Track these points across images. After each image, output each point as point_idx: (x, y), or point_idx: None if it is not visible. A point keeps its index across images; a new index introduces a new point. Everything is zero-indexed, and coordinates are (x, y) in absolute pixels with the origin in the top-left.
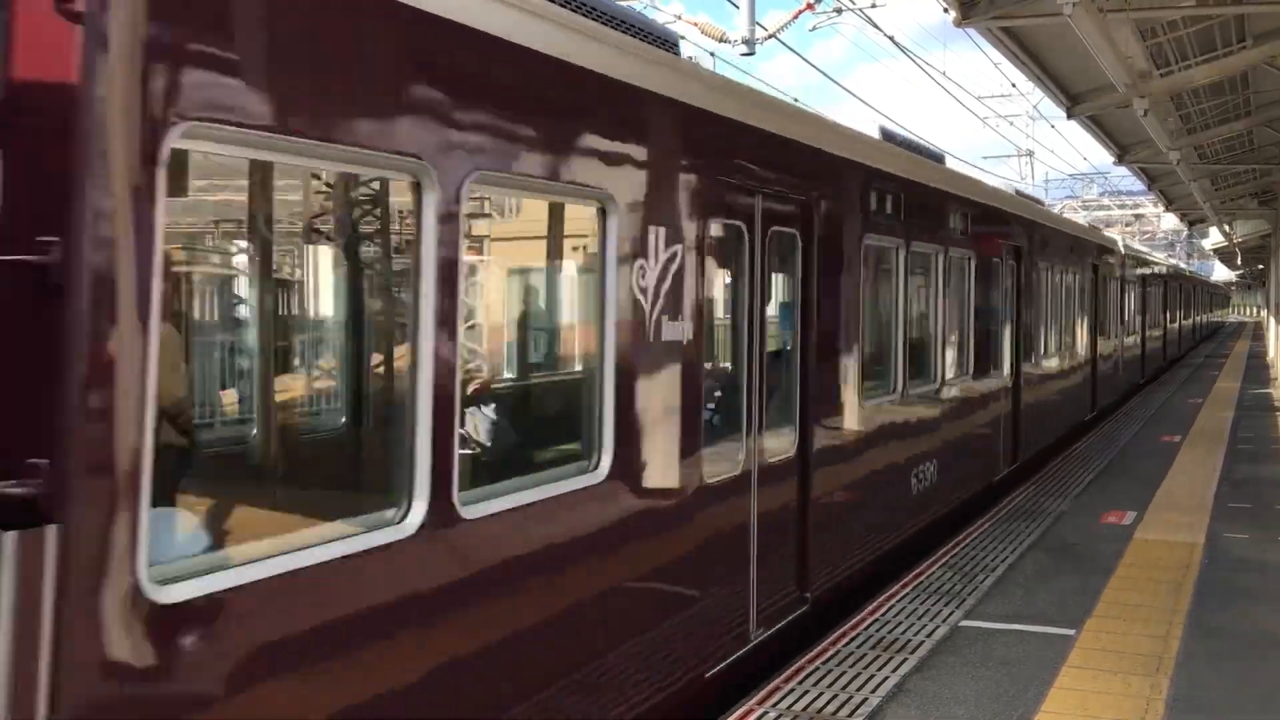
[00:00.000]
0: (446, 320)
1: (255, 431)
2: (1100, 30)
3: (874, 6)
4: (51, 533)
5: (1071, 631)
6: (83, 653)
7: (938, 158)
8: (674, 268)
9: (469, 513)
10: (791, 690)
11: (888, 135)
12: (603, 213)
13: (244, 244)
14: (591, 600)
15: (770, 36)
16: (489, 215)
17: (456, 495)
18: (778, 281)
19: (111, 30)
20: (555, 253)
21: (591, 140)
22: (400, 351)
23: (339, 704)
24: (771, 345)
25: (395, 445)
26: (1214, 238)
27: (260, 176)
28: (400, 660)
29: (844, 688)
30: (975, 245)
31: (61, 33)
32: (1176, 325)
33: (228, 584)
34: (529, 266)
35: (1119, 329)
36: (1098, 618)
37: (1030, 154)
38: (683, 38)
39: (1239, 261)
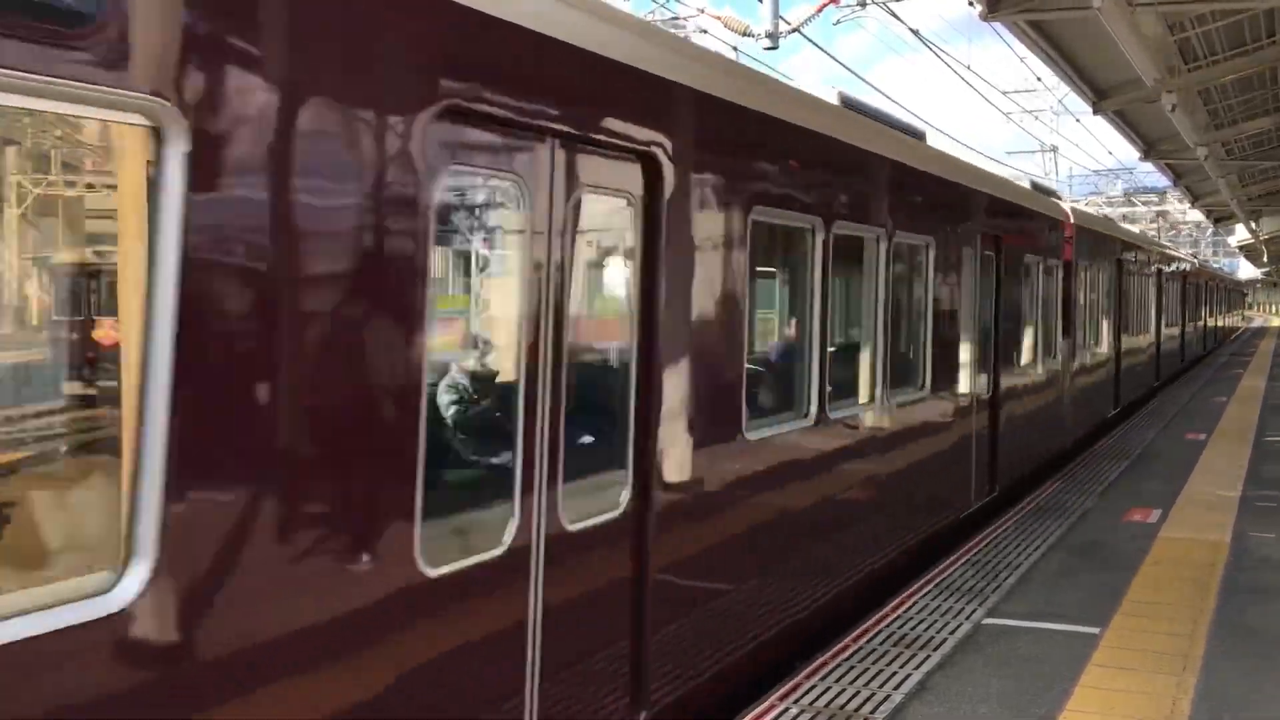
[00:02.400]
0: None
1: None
2: (1129, 24)
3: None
4: None
5: (1096, 630)
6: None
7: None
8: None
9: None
10: (814, 686)
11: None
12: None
13: None
14: None
15: (794, 30)
16: None
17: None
18: None
19: None
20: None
21: None
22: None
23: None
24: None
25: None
26: (1240, 234)
27: None
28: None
29: (866, 684)
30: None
31: None
32: (1159, 339)
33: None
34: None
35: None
36: (1122, 616)
37: (1054, 149)
38: (705, 31)
39: (1265, 259)
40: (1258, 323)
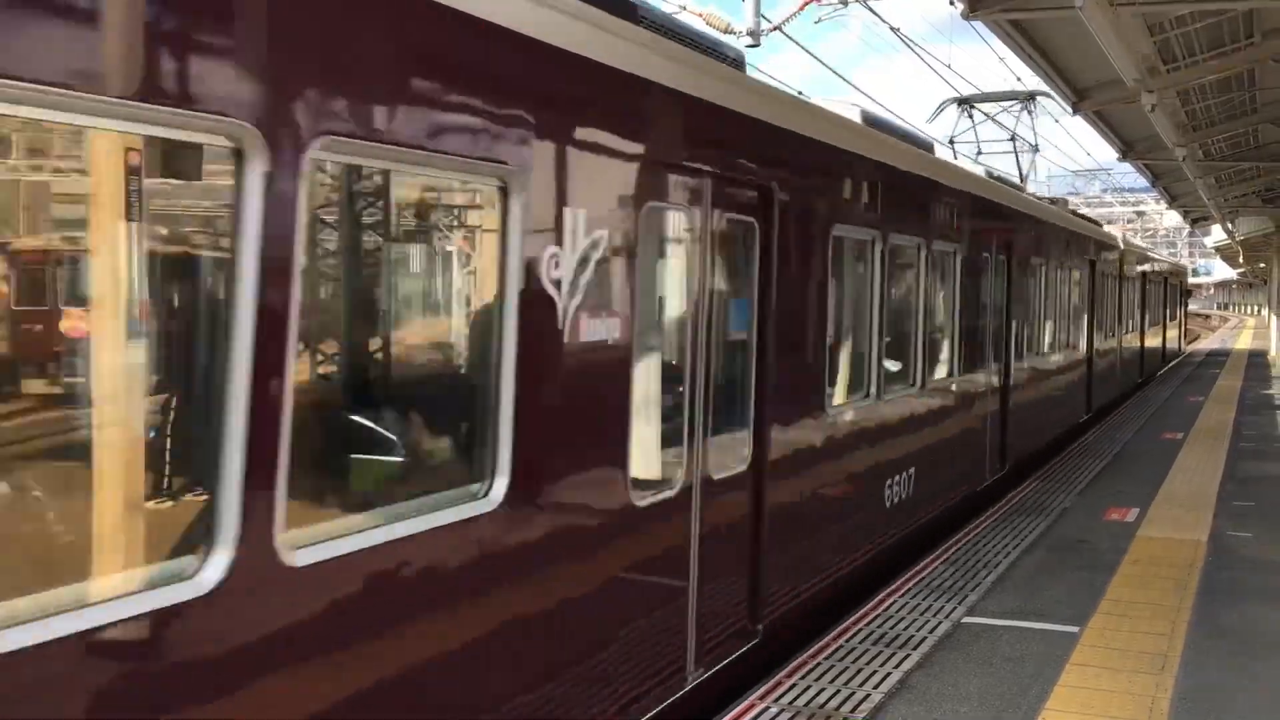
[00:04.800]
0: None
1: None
2: (1111, 24)
3: None
4: None
5: (1075, 629)
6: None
7: None
8: None
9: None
10: (794, 685)
11: None
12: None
13: None
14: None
15: (775, 29)
16: None
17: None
18: None
19: None
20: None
21: None
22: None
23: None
24: None
25: None
26: (1216, 235)
27: None
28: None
29: (846, 683)
30: None
31: None
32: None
33: None
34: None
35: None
36: (1102, 615)
37: (1034, 149)
38: None
39: (1241, 260)
40: (1229, 330)
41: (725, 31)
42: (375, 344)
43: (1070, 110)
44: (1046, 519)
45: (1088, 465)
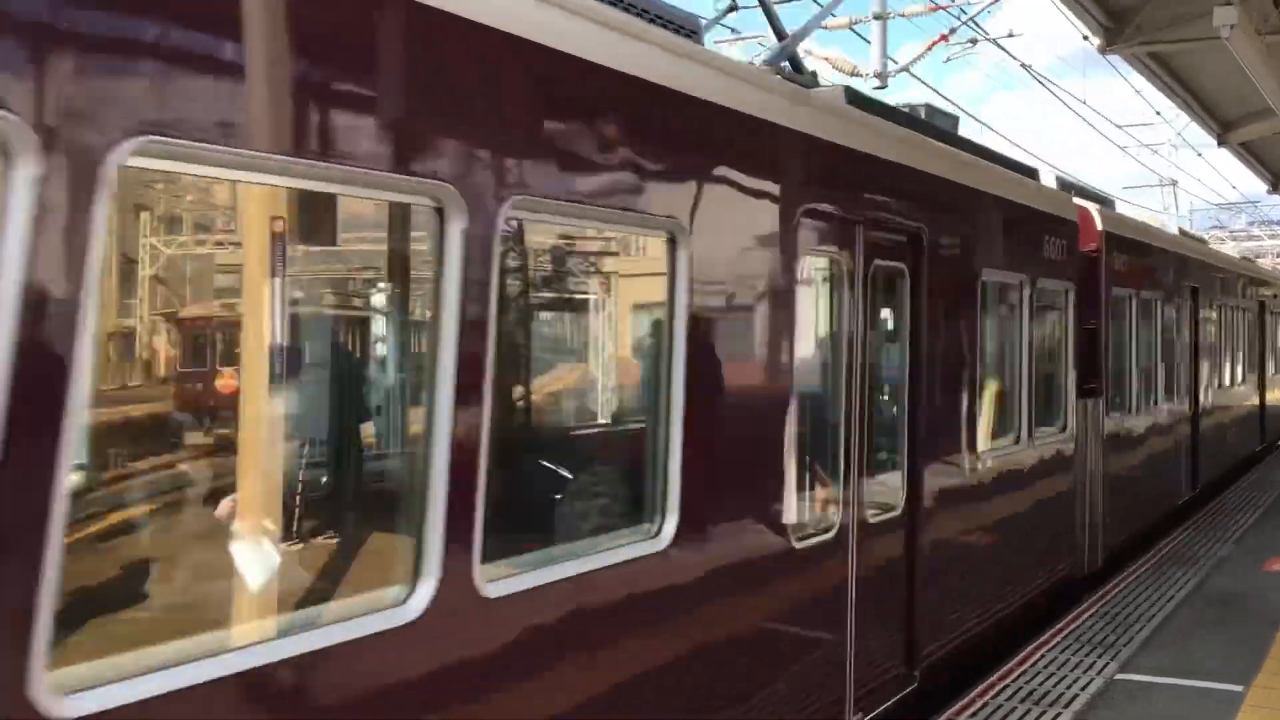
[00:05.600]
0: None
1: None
2: (1260, 54)
3: (1010, 36)
4: None
5: (1239, 688)
6: None
7: None
8: None
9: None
10: None
11: None
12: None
13: None
14: None
15: (903, 69)
16: None
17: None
18: None
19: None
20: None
21: None
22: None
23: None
24: None
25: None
26: None
27: None
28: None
29: None
30: None
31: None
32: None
33: None
34: None
35: None
36: (1268, 674)
37: (1174, 183)
38: (813, 72)
39: None
40: None
41: (852, 74)
42: None
43: (1215, 142)
44: (1201, 570)
45: (1244, 512)
